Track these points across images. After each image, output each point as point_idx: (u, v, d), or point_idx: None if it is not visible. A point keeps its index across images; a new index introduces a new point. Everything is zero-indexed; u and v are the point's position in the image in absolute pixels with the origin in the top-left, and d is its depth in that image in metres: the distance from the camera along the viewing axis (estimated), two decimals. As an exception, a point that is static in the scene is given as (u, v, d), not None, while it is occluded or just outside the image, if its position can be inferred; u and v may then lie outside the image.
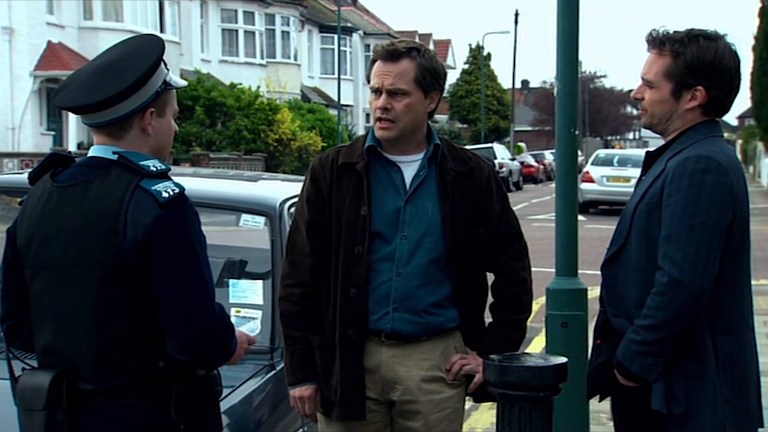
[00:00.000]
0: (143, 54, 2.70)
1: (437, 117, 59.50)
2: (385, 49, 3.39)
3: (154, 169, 2.66)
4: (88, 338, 2.64)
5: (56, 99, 2.74)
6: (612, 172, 26.16)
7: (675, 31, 3.22)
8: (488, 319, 3.55)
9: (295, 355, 3.45)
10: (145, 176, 2.64)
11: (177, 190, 2.64)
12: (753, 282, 3.33)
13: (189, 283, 2.62)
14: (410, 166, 3.42)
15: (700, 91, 3.16)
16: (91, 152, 2.74)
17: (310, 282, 3.43)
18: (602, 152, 30.15)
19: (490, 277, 3.55)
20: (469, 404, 3.57)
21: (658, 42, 3.21)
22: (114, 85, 2.64)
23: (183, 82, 2.88)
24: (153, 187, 2.62)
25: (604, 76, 76.82)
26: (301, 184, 3.57)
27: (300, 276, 3.44)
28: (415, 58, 3.36)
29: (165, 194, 2.61)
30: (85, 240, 2.63)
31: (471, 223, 3.41)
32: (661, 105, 3.21)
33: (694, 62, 3.14)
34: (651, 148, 3.37)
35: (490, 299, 3.55)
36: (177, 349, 2.63)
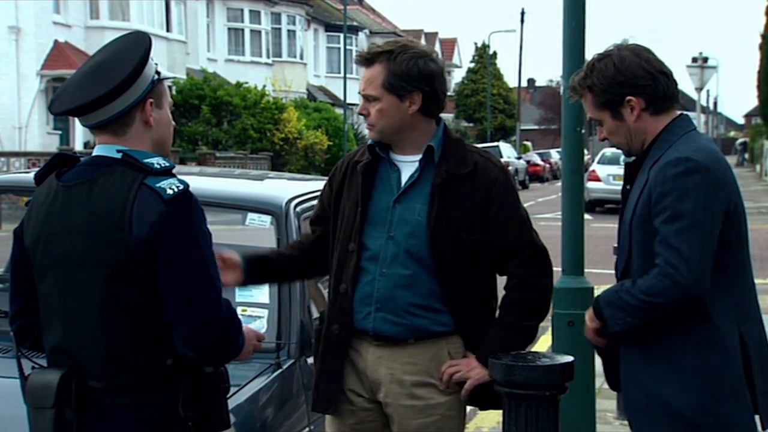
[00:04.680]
0: (132, 47, 2.72)
1: (442, 116, 59.40)
2: (360, 54, 3.39)
3: (159, 166, 2.67)
4: (95, 336, 2.65)
5: (53, 107, 2.74)
6: (618, 170, 26.00)
7: (573, 76, 3.24)
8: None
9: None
10: (149, 173, 2.65)
11: (181, 187, 2.64)
12: (760, 281, 3.34)
13: (195, 279, 2.63)
14: (409, 167, 3.40)
15: (633, 100, 3.13)
16: (95, 151, 2.75)
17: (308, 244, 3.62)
18: (608, 151, 29.99)
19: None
20: (475, 403, 3.55)
21: (577, 90, 3.22)
22: (110, 79, 2.65)
23: (171, 74, 2.89)
24: (157, 184, 2.63)
25: (611, 75, 76.50)
26: (308, 183, 3.59)
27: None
28: (385, 62, 3.31)
29: (170, 191, 2.62)
30: (92, 238, 2.64)
31: (464, 228, 3.32)
32: (617, 132, 3.19)
33: (609, 80, 3.13)
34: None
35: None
36: (184, 345, 2.64)
